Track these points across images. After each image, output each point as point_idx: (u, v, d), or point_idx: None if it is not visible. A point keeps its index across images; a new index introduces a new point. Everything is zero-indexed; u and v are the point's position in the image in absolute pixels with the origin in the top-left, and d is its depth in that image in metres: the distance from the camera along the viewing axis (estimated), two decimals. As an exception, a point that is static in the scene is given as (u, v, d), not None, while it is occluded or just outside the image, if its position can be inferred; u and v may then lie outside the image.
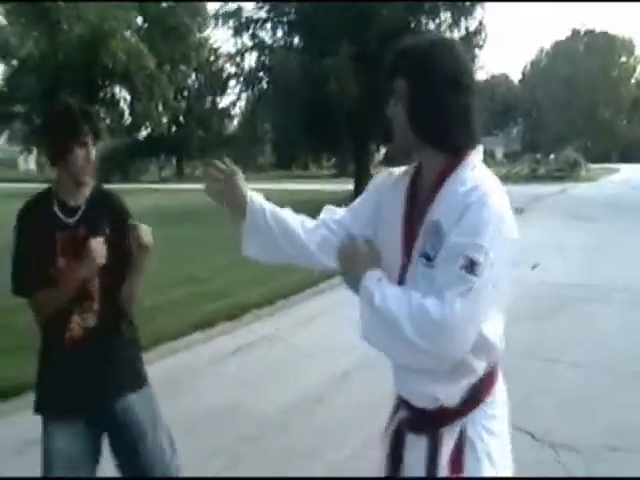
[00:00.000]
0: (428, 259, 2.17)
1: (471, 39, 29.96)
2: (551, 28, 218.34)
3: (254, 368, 7.34)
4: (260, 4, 31.87)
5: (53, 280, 3.04)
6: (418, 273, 2.20)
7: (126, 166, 65.02)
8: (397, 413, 2.49)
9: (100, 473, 3.28)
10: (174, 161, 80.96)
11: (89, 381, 3.14)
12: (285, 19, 32.29)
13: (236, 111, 71.28)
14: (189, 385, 6.86)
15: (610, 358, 7.34)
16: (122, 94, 56.01)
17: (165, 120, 59.30)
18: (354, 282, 2.26)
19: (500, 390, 2.38)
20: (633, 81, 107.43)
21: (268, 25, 32.46)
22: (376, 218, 2.48)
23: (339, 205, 2.68)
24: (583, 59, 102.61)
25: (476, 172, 2.22)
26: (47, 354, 3.20)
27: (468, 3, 30.04)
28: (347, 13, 27.10)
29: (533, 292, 10.23)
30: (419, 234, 2.23)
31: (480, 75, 42.15)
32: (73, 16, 45.62)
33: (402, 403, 2.45)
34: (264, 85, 33.25)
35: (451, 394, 2.24)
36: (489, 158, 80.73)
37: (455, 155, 2.23)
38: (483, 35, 30.21)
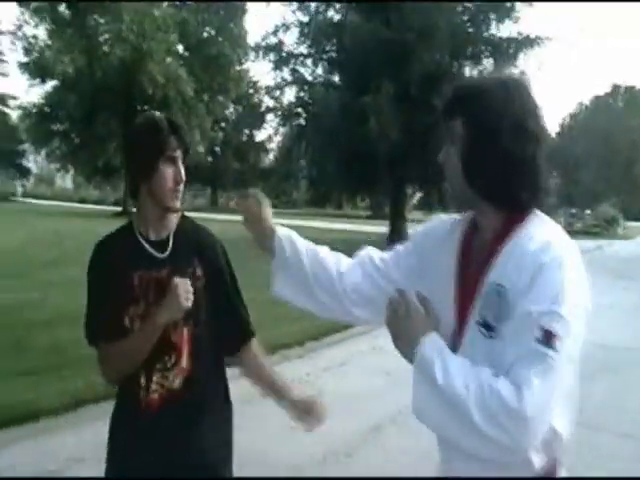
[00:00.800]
0: (488, 328, 1.87)
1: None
2: (590, 82, 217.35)
3: (283, 413, 6.97)
4: (302, 39, 31.90)
5: (128, 329, 2.51)
6: (475, 343, 1.90)
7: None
8: None
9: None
10: (208, 191, 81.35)
11: (167, 460, 2.54)
12: (326, 56, 32.31)
13: (272, 145, 72.01)
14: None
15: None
16: (160, 121, 56.27)
17: (201, 149, 59.41)
18: (406, 346, 1.92)
19: None
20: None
21: (309, 61, 32.51)
22: (422, 272, 2.17)
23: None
24: (622, 115, 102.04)
25: (546, 227, 1.93)
26: (120, 417, 2.64)
27: (511, 50, 29.79)
28: (389, 52, 26.97)
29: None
30: (475, 297, 1.91)
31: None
32: (113, 33, 45.90)
33: None
34: (302, 121, 33.21)
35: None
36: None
37: (517, 213, 1.94)
38: (527, 84, 29.72)
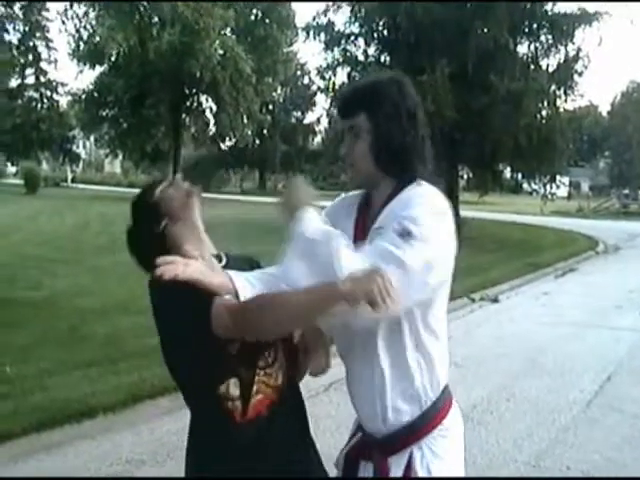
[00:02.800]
0: None
1: (570, 65, 28.63)
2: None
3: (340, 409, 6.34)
4: (353, 18, 31.23)
5: None
6: None
7: (209, 176, 65.33)
8: (354, 437, 2.49)
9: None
10: (256, 174, 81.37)
11: (287, 466, 2.30)
12: (377, 35, 31.58)
13: (320, 127, 71.57)
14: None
15: None
16: (208, 104, 56.20)
17: (250, 132, 59.17)
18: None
19: (453, 418, 2.37)
20: None
21: (360, 41, 31.81)
22: None
23: None
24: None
25: (422, 186, 2.29)
26: (215, 431, 2.32)
27: (569, 26, 28.74)
28: (444, 30, 26.23)
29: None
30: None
31: (577, 103, 40.68)
32: (168, 10, 45.66)
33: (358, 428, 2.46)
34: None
35: (402, 413, 2.26)
36: (574, 189, 78.79)
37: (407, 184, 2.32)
38: (585, 61, 28.67)
